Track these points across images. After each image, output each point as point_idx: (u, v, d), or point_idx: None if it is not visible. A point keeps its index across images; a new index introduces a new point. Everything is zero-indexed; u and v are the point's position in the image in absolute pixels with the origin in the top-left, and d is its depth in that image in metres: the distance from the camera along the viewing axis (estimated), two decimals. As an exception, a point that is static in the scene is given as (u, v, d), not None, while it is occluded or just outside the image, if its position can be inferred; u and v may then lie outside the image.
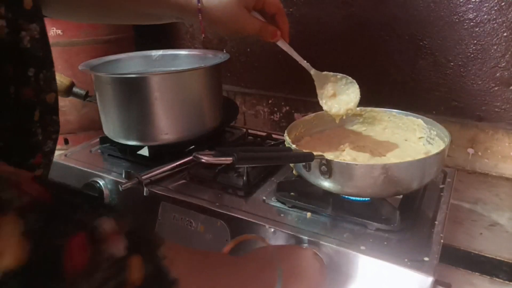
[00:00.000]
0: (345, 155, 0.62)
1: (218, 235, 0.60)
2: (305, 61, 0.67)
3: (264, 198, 0.64)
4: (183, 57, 0.92)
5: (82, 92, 0.83)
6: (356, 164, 0.53)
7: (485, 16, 0.85)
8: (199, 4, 0.59)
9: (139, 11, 0.65)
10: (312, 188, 0.61)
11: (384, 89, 1.00)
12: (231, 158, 0.47)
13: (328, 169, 0.54)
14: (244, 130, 0.92)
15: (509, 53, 0.85)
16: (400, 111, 0.73)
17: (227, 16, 0.59)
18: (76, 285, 0.22)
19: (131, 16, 0.69)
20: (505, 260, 0.66)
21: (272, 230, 0.56)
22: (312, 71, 0.68)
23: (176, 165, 0.72)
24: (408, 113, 0.71)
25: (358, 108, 0.75)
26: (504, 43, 0.85)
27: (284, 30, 0.64)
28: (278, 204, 0.62)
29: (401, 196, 0.62)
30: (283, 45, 0.65)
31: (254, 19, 0.61)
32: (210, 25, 0.61)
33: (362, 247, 0.52)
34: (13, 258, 0.20)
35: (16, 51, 0.41)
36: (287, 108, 1.15)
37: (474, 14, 0.86)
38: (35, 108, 0.44)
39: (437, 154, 0.55)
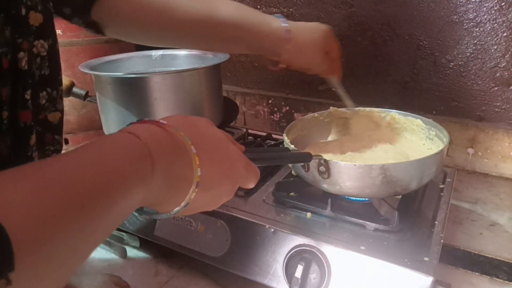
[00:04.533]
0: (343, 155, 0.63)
1: (218, 235, 0.60)
2: (349, 100, 0.74)
3: (264, 198, 0.65)
4: (183, 57, 0.92)
5: (82, 92, 0.83)
6: (355, 165, 0.53)
7: (485, 16, 0.85)
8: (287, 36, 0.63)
9: (211, 37, 0.64)
10: (311, 188, 0.61)
11: (384, 89, 1.00)
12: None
13: (326, 169, 0.54)
14: (244, 130, 0.92)
15: (509, 53, 0.85)
16: (398, 111, 0.73)
17: (310, 55, 0.67)
18: None
19: (205, 41, 0.67)
20: (505, 260, 0.66)
21: (272, 230, 0.56)
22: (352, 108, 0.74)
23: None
24: (407, 113, 0.71)
25: (356, 108, 0.75)
26: (504, 43, 0.85)
27: (339, 73, 0.73)
28: (278, 204, 0.63)
29: (400, 196, 0.62)
30: (334, 82, 0.72)
31: (326, 62, 0.69)
32: (287, 57, 0.66)
33: (362, 247, 0.52)
34: None
35: (13, 73, 0.40)
36: (287, 108, 1.15)
37: (474, 14, 0.86)
38: (32, 132, 0.43)
39: (436, 154, 0.55)
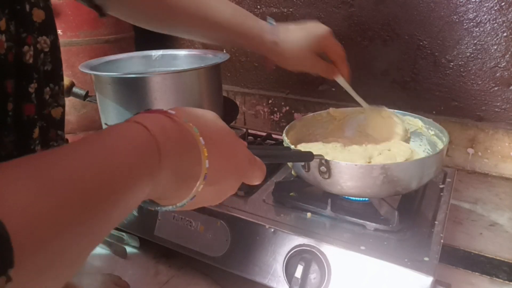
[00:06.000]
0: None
1: (218, 235, 0.60)
2: (360, 98, 0.72)
3: (264, 198, 0.64)
4: (183, 57, 0.92)
5: (82, 92, 0.83)
6: (356, 164, 0.53)
7: (485, 16, 0.85)
8: (275, 45, 0.65)
9: (206, 34, 0.67)
10: (311, 188, 0.61)
11: (384, 89, 1.00)
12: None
13: (327, 169, 0.54)
14: (244, 130, 0.92)
15: (509, 53, 0.85)
16: (398, 111, 0.73)
17: (299, 58, 0.67)
18: None
19: (198, 35, 0.71)
20: (505, 260, 0.66)
21: (272, 230, 0.56)
22: (366, 107, 0.72)
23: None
24: (406, 113, 0.71)
25: (356, 108, 0.75)
26: (504, 43, 0.85)
27: (344, 74, 0.69)
28: (278, 204, 0.62)
29: (400, 196, 0.62)
30: (342, 82, 0.70)
31: (321, 62, 0.68)
32: (279, 61, 0.68)
33: (362, 247, 0.52)
34: None
35: (17, 66, 0.40)
36: (287, 108, 1.15)
37: (474, 14, 0.86)
38: (35, 126, 0.43)
39: (436, 154, 0.55)
